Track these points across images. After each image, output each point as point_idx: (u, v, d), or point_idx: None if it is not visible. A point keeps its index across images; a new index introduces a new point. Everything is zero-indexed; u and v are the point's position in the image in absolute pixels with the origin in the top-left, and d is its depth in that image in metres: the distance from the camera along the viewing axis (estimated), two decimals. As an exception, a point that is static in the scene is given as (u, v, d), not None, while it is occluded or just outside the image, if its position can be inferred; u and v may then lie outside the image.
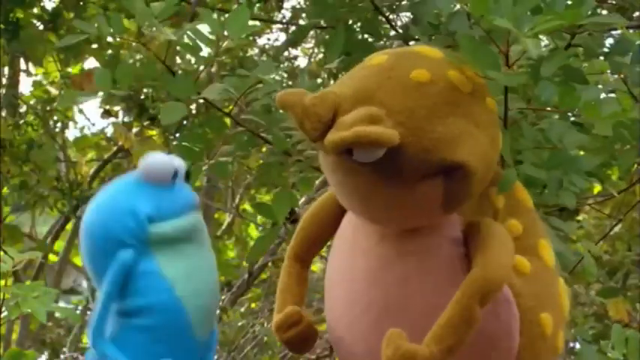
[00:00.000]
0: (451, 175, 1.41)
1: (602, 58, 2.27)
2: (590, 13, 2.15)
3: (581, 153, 2.12)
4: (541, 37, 3.59)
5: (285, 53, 6.13)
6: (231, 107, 2.28)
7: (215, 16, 2.19)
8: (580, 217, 4.61)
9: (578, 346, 2.87)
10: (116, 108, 5.89)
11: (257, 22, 4.55)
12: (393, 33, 2.65)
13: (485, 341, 1.47)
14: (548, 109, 1.94)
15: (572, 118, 2.17)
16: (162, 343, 1.58)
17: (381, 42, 2.45)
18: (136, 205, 1.62)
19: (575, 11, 1.69)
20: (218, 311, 5.79)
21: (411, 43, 2.41)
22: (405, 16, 3.49)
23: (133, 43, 5.34)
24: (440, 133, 1.40)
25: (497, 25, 1.63)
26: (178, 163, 1.71)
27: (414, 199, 1.42)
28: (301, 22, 3.75)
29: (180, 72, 2.33)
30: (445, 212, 1.47)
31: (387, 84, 1.44)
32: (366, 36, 2.53)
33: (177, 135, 5.27)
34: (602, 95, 2.19)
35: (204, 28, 2.17)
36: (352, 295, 1.53)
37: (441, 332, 1.39)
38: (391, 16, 2.62)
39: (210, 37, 2.13)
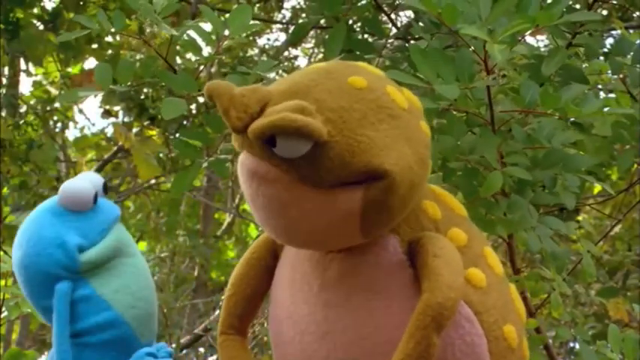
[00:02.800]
0: (372, 185, 1.35)
1: (601, 58, 2.27)
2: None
3: (581, 153, 2.12)
4: (541, 37, 3.60)
5: (285, 53, 6.13)
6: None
7: (216, 16, 2.19)
8: (580, 218, 4.61)
9: (578, 346, 2.87)
10: (116, 108, 5.89)
11: (257, 22, 4.56)
12: (394, 31, 2.65)
13: None
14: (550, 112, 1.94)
15: (572, 119, 2.18)
16: (113, 353, 1.66)
17: (381, 41, 2.44)
18: (63, 238, 1.65)
19: (548, 13, 1.70)
20: (218, 311, 5.79)
21: (412, 42, 2.41)
22: (406, 16, 3.49)
23: (134, 43, 5.35)
24: (369, 137, 1.35)
25: (467, 33, 1.64)
26: (96, 181, 1.72)
27: (331, 208, 1.35)
28: (301, 21, 3.74)
29: (181, 69, 2.33)
30: (363, 233, 1.39)
31: (323, 83, 1.39)
32: (366, 36, 2.53)
33: (177, 135, 5.27)
34: (602, 95, 2.19)
35: (205, 26, 2.18)
36: (310, 349, 1.45)
37: None
38: (392, 15, 2.62)
39: (212, 35, 2.13)
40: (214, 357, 5.78)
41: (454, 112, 1.98)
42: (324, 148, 1.33)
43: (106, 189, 1.74)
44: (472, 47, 1.79)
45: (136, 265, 1.73)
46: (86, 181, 1.71)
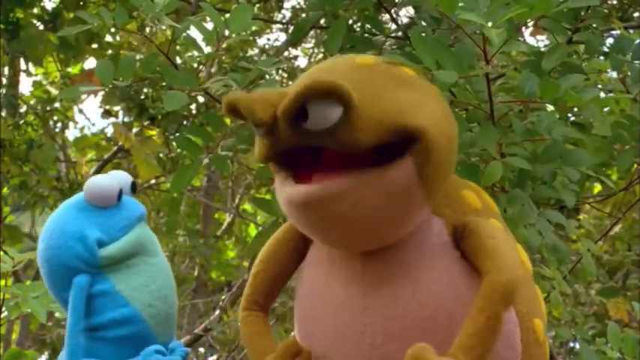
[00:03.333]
0: (416, 149, 1.38)
1: (601, 58, 2.28)
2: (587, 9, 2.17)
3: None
4: (541, 37, 3.59)
5: (285, 53, 6.14)
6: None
7: (217, 14, 2.19)
8: (580, 217, 4.61)
9: (578, 345, 2.87)
10: (116, 108, 5.89)
11: (257, 22, 4.56)
12: (394, 28, 2.65)
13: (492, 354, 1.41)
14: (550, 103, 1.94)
15: (572, 118, 2.18)
16: (130, 349, 1.67)
17: (382, 38, 2.44)
18: (84, 232, 1.68)
19: (546, 1, 1.70)
20: (218, 311, 5.79)
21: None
22: (406, 15, 3.49)
23: (134, 42, 5.35)
24: (393, 100, 1.39)
25: (465, 19, 1.65)
26: (123, 179, 1.75)
27: (392, 185, 1.38)
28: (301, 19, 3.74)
29: (181, 67, 2.33)
30: (428, 200, 1.42)
31: (336, 67, 1.44)
32: (365, 34, 2.53)
33: (178, 134, 5.27)
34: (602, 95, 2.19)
35: (206, 25, 2.18)
36: (343, 324, 1.47)
37: (469, 342, 1.34)
38: (392, 12, 2.62)
39: (212, 33, 2.13)
40: (214, 357, 5.78)
41: (455, 109, 1.98)
42: (355, 112, 1.35)
43: (135, 188, 1.77)
44: (471, 38, 1.79)
45: (157, 264, 1.75)
46: (112, 178, 1.74)
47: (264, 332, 1.56)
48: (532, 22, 2.05)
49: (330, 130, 1.34)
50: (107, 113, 5.97)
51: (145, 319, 1.68)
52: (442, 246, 1.46)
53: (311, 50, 6.35)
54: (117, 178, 1.74)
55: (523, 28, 2.25)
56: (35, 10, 5.08)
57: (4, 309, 2.67)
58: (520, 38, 2.44)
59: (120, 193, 1.72)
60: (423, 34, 2.09)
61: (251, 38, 5.67)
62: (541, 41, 3.79)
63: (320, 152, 1.41)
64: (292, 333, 1.60)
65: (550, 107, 2.01)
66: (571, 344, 4.89)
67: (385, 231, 1.43)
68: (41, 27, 5.03)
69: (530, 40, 3.74)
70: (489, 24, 1.65)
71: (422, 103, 1.42)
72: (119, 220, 1.71)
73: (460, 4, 1.68)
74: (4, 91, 5.37)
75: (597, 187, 4.37)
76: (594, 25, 2.27)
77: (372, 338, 1.45)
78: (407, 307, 1.44)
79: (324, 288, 1.51)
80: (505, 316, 1.40)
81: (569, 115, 2.19)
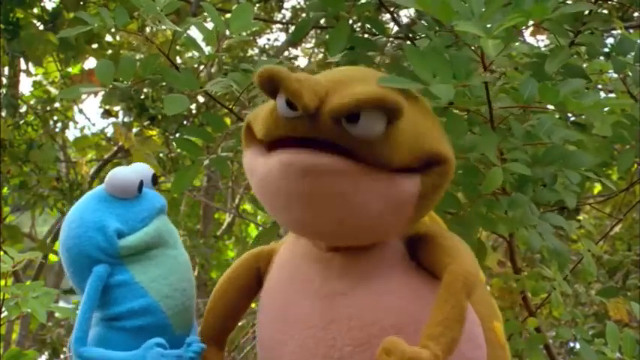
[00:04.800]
0: (431, 170, 1.42)
1: (602, 58, 2.28)
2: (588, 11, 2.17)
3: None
4: (541, 37, 3.59)
5: (286, 53, 6.14)
6: (232, 104, 2.28)
7: (217, 14, 2.19)
8: (580, 217, 4.61)
9: (578, 345, 2.87)
10: (116, 108, 5.89)
11: (258, 22, 4.55)
12: (395, 29, 2.65)
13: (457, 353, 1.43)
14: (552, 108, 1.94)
15: (572, 118, 2.18)
16: (146, 340, 1.67)
17: (383, 39, 2.44)
18: (104, 222, 1.69)
19: (542, 6, 1.70)
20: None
21: (414, 40, 2.41)
22: (407, 16, 3.49)
23: (134, 43, 5.35)
24: (428, 127, 1.45)
25: (462, 30, 1.66)
26: (144, 171, 1.76)
27: (392, 194, 1.41)
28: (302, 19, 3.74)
29: (182, 67, 2.33)
30: (412, 219, 1.46)
31: (370, 73, 1.50)
32: (366, 35, 2.53)
33: (178, 134, 5.27)
34: (602, 95, 2.19)
35: (206, 25, 2.18)
36: (312, 341, 1.49)
37: (436, 331, 1.37)
38: (394, 13, 2.62)
39: (213, 33, 2.13)
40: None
41: (455, 111, 1.98)
42: (396, 130, 1.39)
43: (156, 180, 1.78)
44: (470, 45, 1.79)
45: (176, 256, 1.75)
46: (133, 170, 1.75)
47: None
48: (532, 22, 2.05)
49: (371, 142, 1.37)
50: (107, 113, 5.97)
51: (163, 310, 1.69)
52: (399, 256, 1.50)
53: (311, 50, 6.35)
54: (138, 170, 1.75)
55: (523, 29, 2.25)
56: (35, 10, 5.08)
57: (4, 309, 2.67)
58: (520, 38, 2.43)
59: (140, 185, 1.73)
60: (426, 41, 2.10)
61: (251, 38, 5.67)
62: (541, 41, 3.79)
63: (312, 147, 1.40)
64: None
65: (550, 107, 2.01)
66: (571, 344, 4.89)
67: (364, 229, 1.45)
68: (41, 27, 5.02)
69: (530, 40, 3.74)
70: (487, 26, 1.65)
71: (442, 134, 1.48)
72: (139, 211, 1.72)
73: (456, 11, 1.69)
74: (4, 91, 5.36)
75: (597, 188, 4.38)
76: (595, 27, 2.26)
77: (340, 351, 1.47)
78: (372, 316, 1.46)
79: (288, 309, 1.53)
80: (467, 316, 1.42)
81: (569, 115, 2.19)
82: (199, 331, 1.70)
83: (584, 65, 2.27)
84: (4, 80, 5.52)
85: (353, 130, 1.36)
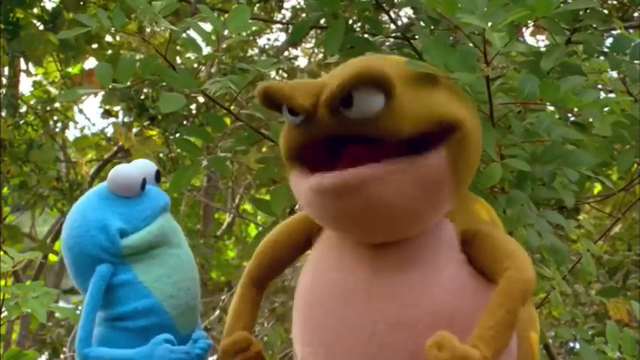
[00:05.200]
0: (451, 138, 1.42)
1: (601, 57, 2.27)
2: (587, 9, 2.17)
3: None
4: (541, 37, 3.59)
5: (285, 53, 6.14)
6: (231, 104, 2.29)
7: (215, 15, 2.19)
8: (580, 217, 4.61)
9: (578, 345, 2.87)
10: (116, 108, 5.89)
11: (257, 22, 4.56)
12: (393, 28, 2.65)
13: None
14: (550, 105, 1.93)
15: (572, 118, 2.18)
16: (149, 340, 1.66)
17: (381, 38, 2.44)
18: (106, 222, 1.67)
19: (546, 2, 1.70)
20: (218, 311, 5.79)
21: (411, 40, 2.41)
22: (405, 16, 3.49)
23: (134, 43, 5.35)
24: (432, 93, 1.43)
25: (466, 22, 1.66)
26: (147, 168, 1.74)
27: (424, 174, 1.40)
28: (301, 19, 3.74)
29: (181, 67, 2.33)
30: (455, 189, 1.45)
31: (374, 61, 1.49)
32: (365, 35, 2.53)
33: (178, 134, 5.27)
34: (602, 95, 2.19)
35: (205, 26, 2.18)
36: (351, 312, 1.48)
37: (488, 334, 1.36)
38: (391, 13, 2.62)
39: (211, 34, 2.13)
40: (214, 357, 5.77)
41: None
42: (397, 101, 1.38)
43: (159, 177, 1.76)
44: (472, 41, 1.79)
45: (180, 256, 1.74)
46: (136, 168, 1.72)
47: (248, 311, 1.61)
48: (532, 22, 2.05)
49: (373, 119, 1.37)
50: (107, 113, 5.97)
51: (167, 310, 1.68)
52: (451, 248, 1.49)
53: (311, 50, 6.35)
54: (141, 168, 1.73)
55: (523, 28, 2.25)
56: (35, 10, 5.08)
57: (4, 309, 2.67)
58: (520, 38, 2.43)
59: (144, 183, 1.71)
60: (419, 40, 2.10)
61: (251, 38, 5.67)
62: (541, 41, 3.79)
63: (340, 152, 1.43)
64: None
65: (550, 107, 2.01)
66: (571, 344, 4.89)
67: (412, 221, 1.46)
68: (41, 27, 5.02)
69: (530, 40, 3.74)
70: (489, 24, 1.66)
71: (455, 98, 1.47)
72: (142, 209, 1.70)
73: (459, 6, 1.69)
74: (4, 91, 5.36)
75: (597, 187, 4.37)
76: (594, 26, 2.26)
77: (373, 326, 1.46)
78: (417, 298, 1.46)
79: (332, 277, 1.52)
80: None
81: (569, 114, 2.19)
82: (246, 270, 1.67)
83: (582, 64, 2.27)
84: (4, 80, 5.52)
85: (352, 114, 1.36)
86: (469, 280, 1.47)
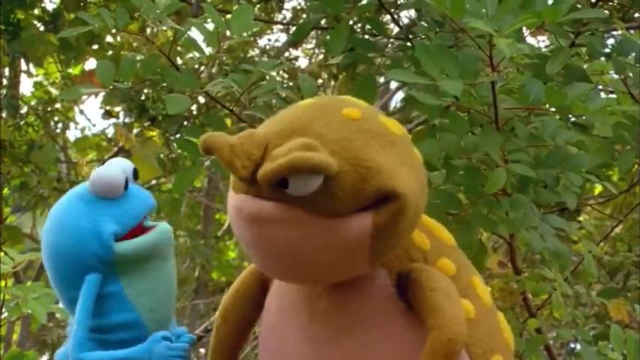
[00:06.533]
0: (383, 208, 1.34)
1: (603, 59, 2.27)
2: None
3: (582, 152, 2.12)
4: (542, 37, 3.59)
5: (286, 54, 6.14)
6: (233, 105, 2.29)
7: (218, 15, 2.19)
8: (581, 218, 4.61)
9: (579, 346, 2.87)
10: (117, 109, 5.89)
11: (258, 22, 4.55)
12: (396, 30, 2.65)
13: None
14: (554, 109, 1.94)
15: (573, 119, 2.18)
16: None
17: (383, 40, 2.44)
18: (99, 228, 1.65)
19: (554, 8, 1.70)
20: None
21: (415, 41, 2.41)
22: (407, 17, 3.49)
23: (134, 44, 5.35)
24: (376, 162, 1.35)
25: (473, 27, 1.65)
26: (126, 167, 1.71)
27: (342, 238, 1.35)
28: (302, 21, 3.74)
29: (183, 67, 2.33)
30: (370, 260, 1.38)
31: (320, 118, 1.39)
32: (367, 36, 2.53)
33: (179, 135, 5.27)
34: (602, 95, 2.19)
35: (207, 26, 2.18)
36: None
37: None
38: (394, 14, 2.62)
39: (214, 33, 2.13)
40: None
41: (456, 111, 1.98)
42: (335, 180, 1.33)
43: (136, 175, 1.73)
44: (477, 44, 1.79)
45: (167, 271, 1.73)
46: (116, 168, 1.70)
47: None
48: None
49: (310, 198, 1.33)
50: (108, 114, 5.97)
51: (146, 325, 1.67)
52: (387, 299, 1.43)
53: (312, 51, 6.35)
54: (121, 167, 1.70)
55: (524, 29, 2.25)
56: (36, 11, 5.08)
57: (4, 310, 2.67)
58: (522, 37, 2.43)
59: (127, 182, 1.69)
60: (427, 42, 2.09)
61: (252, 39, 5.67)
62: (542, 42, 3.79)
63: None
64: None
65: (552, 109, 2.01)
66: (572, 345, 4.89)
67: (324, 275, 1.41)
68: (42, 28, 5.02)
69: (530, 40, 3.74)
70: (496, 28, 1.65)
71: (402, 167, 1.38)
72: (130, 208, 1.68)
73: (467, 8, 1.68)
74: (4, 91, 5.36)
75: (598, 189, 4.37)
76: (596, 28, 2.27)
77: None
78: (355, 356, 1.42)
79: (279, 342, 1.50)
80: None
81: (570, 115, 2.19)
82: (210, 350, 1.65)
83: (585, 66, 2.27)
84: (5, 81, 5.52)
85: (289, 191, 1.33)
86: (408, 333, 1.41)
